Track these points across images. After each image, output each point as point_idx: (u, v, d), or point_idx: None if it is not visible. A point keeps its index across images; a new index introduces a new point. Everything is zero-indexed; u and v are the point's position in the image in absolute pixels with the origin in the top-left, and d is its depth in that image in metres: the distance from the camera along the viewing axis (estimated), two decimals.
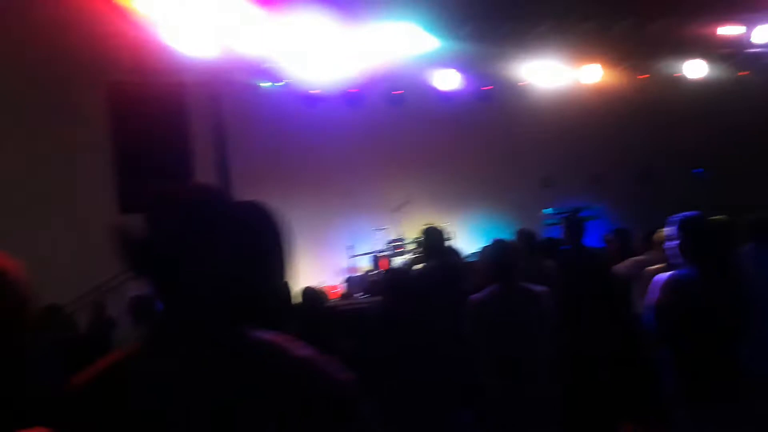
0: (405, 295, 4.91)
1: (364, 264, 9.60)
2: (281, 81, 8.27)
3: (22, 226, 8.29)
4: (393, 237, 9.55)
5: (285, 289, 1.47)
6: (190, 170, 7.56)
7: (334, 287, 8.95)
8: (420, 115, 9.61)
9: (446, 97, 9.52)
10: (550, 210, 10.23)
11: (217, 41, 7.47)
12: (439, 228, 5.28)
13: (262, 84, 8.25)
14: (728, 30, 11.11)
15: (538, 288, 3.90)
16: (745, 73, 11.79)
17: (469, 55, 9.05)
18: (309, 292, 5.58)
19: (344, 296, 8.93)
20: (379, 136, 9.64)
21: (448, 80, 9.26)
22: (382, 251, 9.39)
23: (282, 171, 8.86)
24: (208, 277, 1.32)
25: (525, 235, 5.39)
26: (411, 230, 9.26)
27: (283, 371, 1.35)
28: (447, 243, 5.47)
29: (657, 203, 8.50)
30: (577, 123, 10.62)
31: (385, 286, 4.95)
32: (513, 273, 3.89)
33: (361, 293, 8.82)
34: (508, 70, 9.81)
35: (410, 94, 9.36)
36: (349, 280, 9.27)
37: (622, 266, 5.08)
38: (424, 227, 5.34)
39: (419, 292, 4.81)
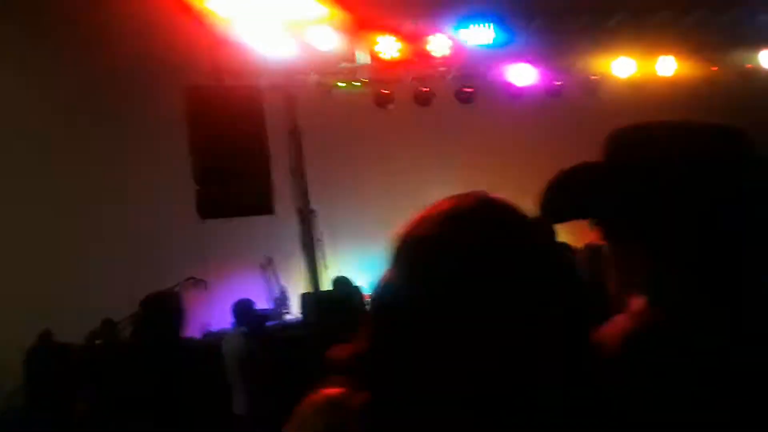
0: None
1: None
2: (356, 81, 8.07)
3: (98, 229, 8.27)
4: None
5: None
6: (268, 174, 7.36)
7: None
8: (490, 113, 9.28)
9: (516, 95, 9.17)
10: None
11: (292, 41, 7.32)
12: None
13: (337, 84, 8.07)
14: None
15: None
16: None
17: (541, 49, 8.72)
18: None
19: None
20: (446, 135, 9.34)
21: (522, 75, 8.91)
22: None
23: (355, 173, 8.65)
24: None
25: None
26: None
27: None
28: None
29: None
30: (650, 118, 10.14)
31: None
32: None
33: None
34: (580, 65, 9.43)
35: (480, 91, 9.03)
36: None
37: None
38: None
39: None
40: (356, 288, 5.83)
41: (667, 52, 9.98)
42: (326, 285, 8.05)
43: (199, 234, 7.41)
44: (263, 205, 7.50)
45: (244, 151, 7.52)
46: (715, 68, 11.00)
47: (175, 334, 3.50)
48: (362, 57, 7.71)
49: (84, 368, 4.42)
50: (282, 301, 8.97)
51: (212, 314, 7.67)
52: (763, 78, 11.04)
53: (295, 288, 7.88)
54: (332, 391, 0.97)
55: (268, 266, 8.96)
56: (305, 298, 7.97)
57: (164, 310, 3.53)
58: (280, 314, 8.73)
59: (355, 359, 0.96)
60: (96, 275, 8.07)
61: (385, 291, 0.96)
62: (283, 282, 8.91)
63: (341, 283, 5.63)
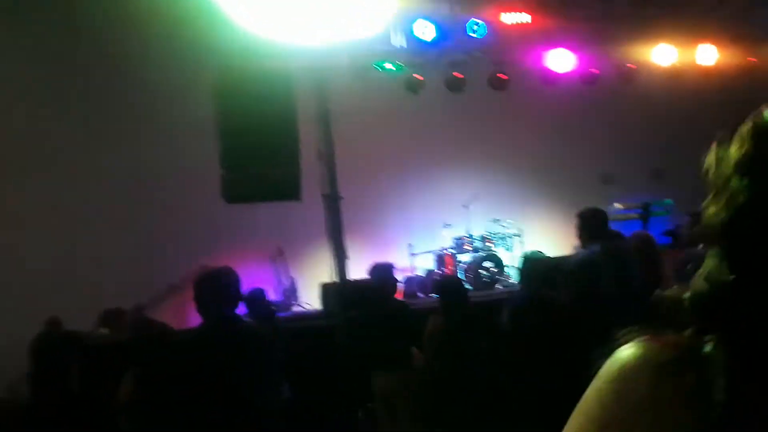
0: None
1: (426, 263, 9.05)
2: (389, 66, 7.78)
3: (119, 216, 8.09)
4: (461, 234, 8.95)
5: None
6: (296, 159, 7.10)
7: None
8: (524, 99, 8.98)
9: (551, 81, 8.85)
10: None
11: (325, 25, 7.02)
12: (601, 210, 4.67)
13: (374, 65, 7.77)
14: None
15: None
16: None
17: (579, 36, 8.39)
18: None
19: (407, 296, 8.37)
20: (476, 122, 9.04)
21: (560, 61, 8.58)
22: (448, 249, 8.82)
23: (385, 158, 8.37)
24: None
25: None
26: (478, 227, 8.74)
27: None
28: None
29: None
30: (687, 108, 9.79)
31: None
32: None
33: (423, 293, 8.36)
34: (617, 52, 9.08)
35: (514, 77, 8.71)
36: (408, 280, 8.75)
37: None
38: (584, 210, 4.72)
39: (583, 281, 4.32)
40: (393, 278, 5.47)
41: (706, 41, 9.62)
42: (352, 275, 7.82)
43: (223, 219, 7.21)
44: (290, 191, 7.26)
45: (272, 135, 7.26)
46: (754, 59, 10.64)
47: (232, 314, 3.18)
48: (397, 39, 7.41)
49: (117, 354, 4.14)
50: (291, 292, 8.76)
51: None
52: None
53: (318, 279, 7.60)
54: (665, 337, 0.80)
55: (278, 257, 8.71)
56: (326, 288, 7.68)
57: (219, 288, 3.12)
58: (289, 306, 8.55)
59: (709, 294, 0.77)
60: (110, 259, 7.91)
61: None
62: (295, 273, 8.67)
63: (381, 270, 5.27)
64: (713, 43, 9.66)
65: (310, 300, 8.30)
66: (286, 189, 7.22)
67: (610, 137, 9.72)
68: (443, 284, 5.03)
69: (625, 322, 3.08)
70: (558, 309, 4.51)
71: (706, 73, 9.76)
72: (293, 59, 7.24)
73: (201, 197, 7.21)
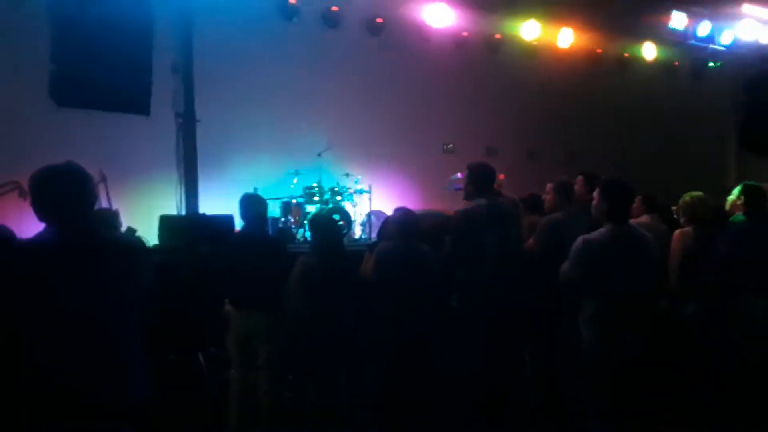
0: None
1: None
2: None
3: None
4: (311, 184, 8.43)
5: None
6: (147, 68, 6.12)
7: None
8: (397, 49, 8.61)
9: (425, 37, 8.60)
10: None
11: None
12: (490, 166, 4.50)
13: None
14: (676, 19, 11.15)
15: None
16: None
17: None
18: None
19: None
20: (348, 62, 8.48)
21: (439, 16, 8.32)
22: (295, 198, 8.34)
23: (247, 83, 7.50)
24: None
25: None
26: (330, 178, 8.39)
27: None
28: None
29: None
30: (542, 85, 10.15)
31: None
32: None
33: None
34: (488, 21, 9.08)
35: (390, 25, 8.30)
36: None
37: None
38: (473, 163, 4.53)
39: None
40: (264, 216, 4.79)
41: (567, 24, 10.02)
42: (204, 208, 7.02)
43: (54, 125, 5.96)
44: (137, 103, 6.26)
45: (120, 35, 6.18)
46: (599, 50, 11.37)
47: None
48: None
49: None
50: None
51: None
52: (637, 68, 11.63)
53: (165, 209, 6.61)
54: None
55: (100, 182, 7.43)
56: (164, 221, 6.69)
57: None
58: None
59: None
60: None
61: None
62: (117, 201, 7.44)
63: (250, 202, 4.55)
64: (573, 27, 10.06)
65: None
66: (133, 100, 6.21)
67: (473, 99, 9.74)
68: (318, 222, 4.55)
69: (501, 277, 2.85)
70: (427, 261, 4.35)
71: (563, 55, 10.16)
72: None
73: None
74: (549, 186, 4.68)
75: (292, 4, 7.33)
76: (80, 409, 2.06)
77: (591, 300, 3.33)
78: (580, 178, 4.96)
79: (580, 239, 3.37)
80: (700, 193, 4.62)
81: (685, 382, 4.05)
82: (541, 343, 4.52)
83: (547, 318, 4.31)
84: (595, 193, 3.52)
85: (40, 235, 2.19)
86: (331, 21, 7.66)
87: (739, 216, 4.47)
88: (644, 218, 5.05)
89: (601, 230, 3.37)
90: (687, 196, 4.61)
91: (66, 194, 2.17)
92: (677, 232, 4.58)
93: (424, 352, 4.24)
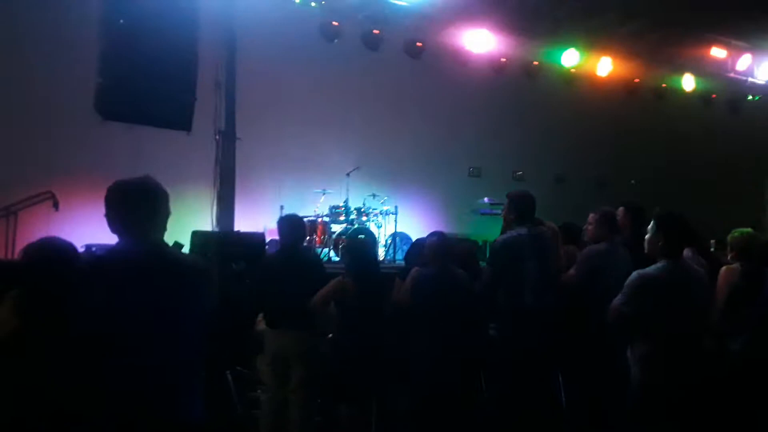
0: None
1: None
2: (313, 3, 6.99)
3: None
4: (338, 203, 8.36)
5: None
6: (192, 85, 6.18)
7: None
8: (435, 72, 8.57)
9: (463, 61, 8.57)
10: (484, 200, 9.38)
11: None
12: (529, 193, 4.41)
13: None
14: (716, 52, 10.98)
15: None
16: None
17: (499, 21, 8.17)
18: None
19: None
20: (388, 85, 8.45)
21: (478, 42, 8.29)
22: (321, 216, 8.28)
23: (280, 103, 7.50)
24: None
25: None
26: (357, 198, 8.33)
27: None
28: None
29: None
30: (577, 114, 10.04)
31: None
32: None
33: None
34: (527, 48, 9.02)
35: (430, 48, 8.28)
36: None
37: None
38: (513, 192, 4.45)
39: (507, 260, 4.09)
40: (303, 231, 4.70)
41: (607, 53, 9.92)
42: (237, 225, 7.02)
43: (96, 138, 6.01)
44: (180, 119, 6.31)
45: (167, 53, 6.25)
46: (638, 80, 11.23)
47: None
48: None
49: None
50: None
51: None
52: (675, 99, 11.46)
53: (199, 225, 6.58)
54: None
55: None
56: (197, 237, 6.64)
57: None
58: None
59: None
60: None
61: None
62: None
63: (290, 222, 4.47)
64: (612, 56, 9.95)
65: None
66: (176, 117, 6.27)
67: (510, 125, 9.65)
68: (354, 245, 4.50)
69: (541, 307, 2.72)
70: (465, 287, 4.26)
71: (601, 83, 10.05)
72: None
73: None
74: (592, 216, 4.56)
75: (335, 26, 7.35)
76: (144, 427, 2.01)
77: (645, 339, 3.19)
78: (621, 209, 4.83)
79: (635, 274, 3.25)
80: (749, 230, 4.46)
81: (739, 418, 3.88)
82: (578, 374, 4.39)
83: (586, 350, 4.17)
84: (649, 227, 3.40)
85: (112, 250, 2.14)
86: (371, 43, 7.66)
87: None
88: (687, 252, 4.91)
89: (658, 266, 3.24)
90: (737, 232, 4.44)
91: (140, 209, 2.14)
92: (724, 268, 4.42)
93: (460, 380, 4.13)
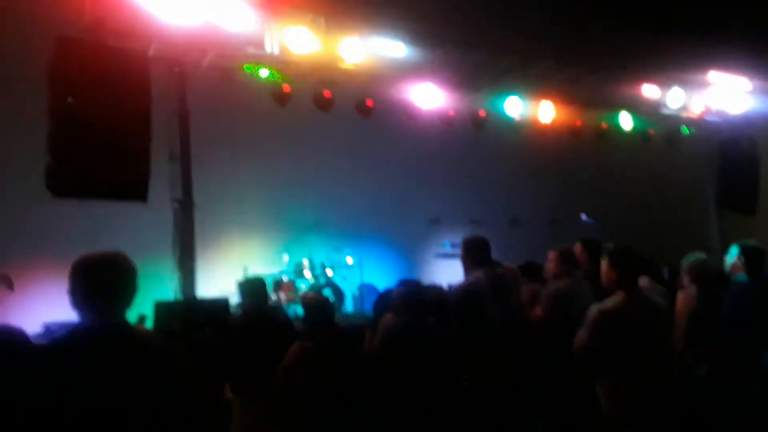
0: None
1: None
2: (261, 69, 7.09)
3: None
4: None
5: None
6: (146, 156, 6.11)
7: None
8: (386, 129, 8.76)
9: (413, 116, 8.76)
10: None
11: (195, 10, 6.22)
12: (484, 238, 4.46)
13: (242, 67, 6.99)
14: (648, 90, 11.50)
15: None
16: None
17: (447, 75, 8.42)
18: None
19: None
20: (340, 144, 8.63)
21: (426, 97, 8.50)
22: (285, 274, 8.23)
23: (241, 168, 7.56)
24: None
25: None
26: (321, 253, 8.35)
27: None
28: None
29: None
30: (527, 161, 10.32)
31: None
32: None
33: None
34: (473, 98, 9.29)
35: (380, 105, 8.46)
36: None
37: None
38: (468, 237, 4.49)
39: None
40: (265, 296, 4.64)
41: (548, 99, 10.28)
42: (205, 290, 6.88)
43: (48, 215, 5.87)
44: (134, 190, 6.18)
45: (118, 127, 6.18)
46: (579, 122, 11.64)
47: None
48: (270, 46, 6.78)
49: None
50: None
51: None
52: (615, 138, 11.89)
53: (160, 294, 6.43)
54: None
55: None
56: (160, 308, 6.46)
57: None
58: None
59: None
60: None
61: None
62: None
63: (249, 287, 4.40)
64: (554, 101, 10.31)
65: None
66: (130, 188, 6.15)
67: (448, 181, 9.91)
68: (311, 305, 4.41)
69: (509, 351, 2.74)
70: (435, 336, 4.21)
71: (547, 129, 10.36)
72: (153, 43, 6.30)
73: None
74: (552, 254, 4.63)
75: (286, 92, 7.48)
76: None
77: (610, 372, 3.20)
78: (579, 244, 4.93)
79: (595, 309, 3.28)
80: (703, 255, 4.59)
81: None
82: (555, 414, 4.35)
83: (560, 389, 4.15)
84: (603, 262, 3.46)
85: (73, 332, 2.01)
86: (323, 105, 7.80)
87: (740, 276, 4.42)
88: (644, 281, 5.00)
89: (615, 299, 3.29)
90: (691, 257, 4.56)
91: (107, 286, 2.02)
92: (681, 295, 4.51)
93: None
